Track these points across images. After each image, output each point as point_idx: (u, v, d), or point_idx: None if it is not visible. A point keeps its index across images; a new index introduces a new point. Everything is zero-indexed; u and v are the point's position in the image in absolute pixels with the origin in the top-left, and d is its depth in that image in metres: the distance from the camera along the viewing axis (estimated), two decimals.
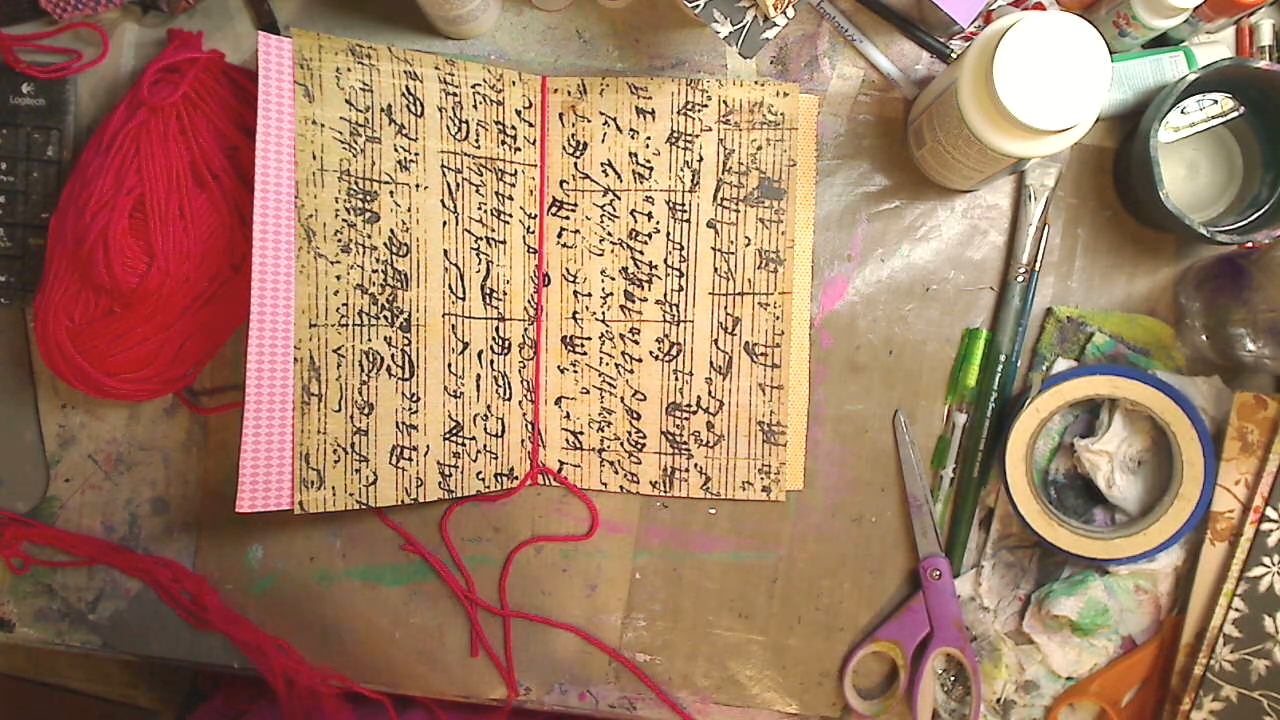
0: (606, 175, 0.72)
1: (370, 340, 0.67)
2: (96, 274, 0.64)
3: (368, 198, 0.67)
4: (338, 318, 0.66)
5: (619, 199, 0.72)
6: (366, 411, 0.67)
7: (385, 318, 0.67)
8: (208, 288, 0.68)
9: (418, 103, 0.68)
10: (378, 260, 0.67)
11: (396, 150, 0.68)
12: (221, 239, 0.67)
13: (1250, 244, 0.65)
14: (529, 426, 0.72)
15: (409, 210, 0.68)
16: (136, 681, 1.09)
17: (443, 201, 0.69)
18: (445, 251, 0.69)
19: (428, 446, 0.69)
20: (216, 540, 0.73)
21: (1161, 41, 0.70)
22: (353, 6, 0.73)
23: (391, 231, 0.67)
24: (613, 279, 0.72)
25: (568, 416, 0.73)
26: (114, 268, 0.64)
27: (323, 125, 0.65)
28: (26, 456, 0.73)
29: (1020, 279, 0.71)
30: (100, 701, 1.07)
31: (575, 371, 0.72)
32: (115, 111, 0.66)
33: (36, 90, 0.71)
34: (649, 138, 0.71)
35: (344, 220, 0.66)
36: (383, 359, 0.67)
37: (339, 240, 0.66)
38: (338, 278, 0.66)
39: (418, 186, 0.68)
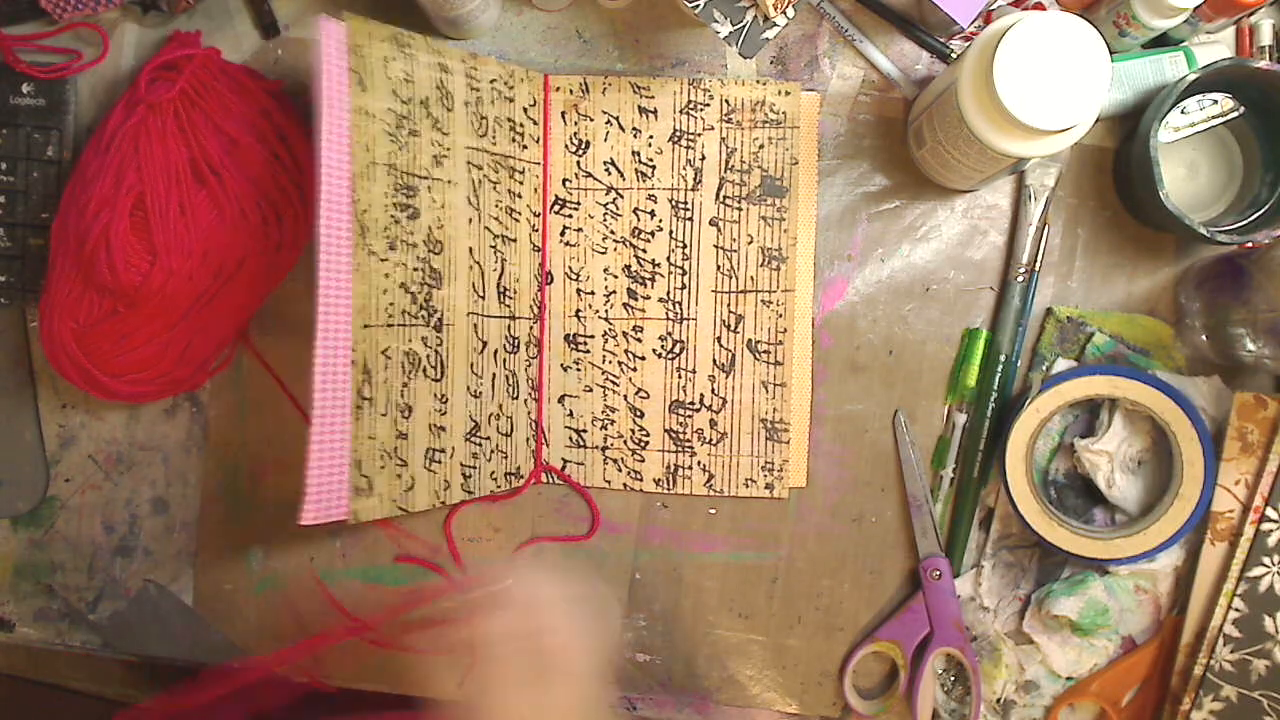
0: (609, 174, 0.72)
1: (410, 340, 0.64)
2: (99, 274, 0.64)
3: (410, 193, 0.63)
4: (386, 318, 0.62)
5: (622, 197, 0.72)
6: (406, 414, 0.64)
7: (422, 317, 0.64)
8: (211, 285, 0.68)
9: (449, 96, 0.66)
10: (417, 258, 0.64)
11: (433, 145, 0.65)
12: (223, 235, 0.67)
13: (1250, 244, 0.65)
14: (533, 425, 0.72)
15: (442, 207, 0.65)
16: (136, 681, 1.08)
17: (468, 198, 0.67)
18: (470, 249, 0.67)
19: (453, 448, 0.67)
20: (216, 540, 0.73)
21: (1161, 41, 0.70)
22: (352, 6, 0.73)
23: (429, 228, 0.64)
24: (616, 277, 0.72)
25: (571, 414, 0.72)
26: (116, 267, 0.64)
27: (374, 116, 0.62)
28: (26, 456, 0.73)
29: (1020, 279, 0.71)
30: (100, 701, 1.07)
31: (578, 369, 0.72)
32: (113, 110, 0.66)
33: (36, 90, 0.71)
34: (651, 136, 0.71)
35: (391, 216, 0.62)
36: (420, 360, 0.64)
37: (387, 237, 0.62)
38: (386, 275, 0.62)
39: (449, 182, 0.65)
